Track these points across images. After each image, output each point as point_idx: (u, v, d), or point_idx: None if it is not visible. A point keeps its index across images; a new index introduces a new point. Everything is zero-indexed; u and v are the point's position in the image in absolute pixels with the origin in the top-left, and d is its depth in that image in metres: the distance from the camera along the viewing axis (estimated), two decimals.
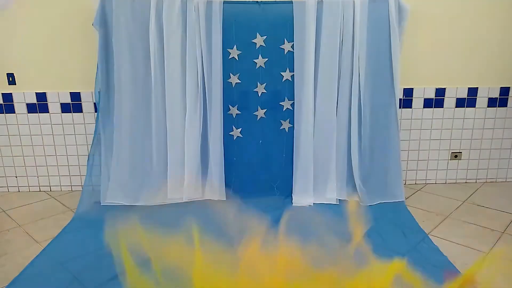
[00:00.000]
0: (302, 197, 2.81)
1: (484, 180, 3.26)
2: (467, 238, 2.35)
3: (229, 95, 2.77)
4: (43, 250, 2.23)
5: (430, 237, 2.35)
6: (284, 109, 2.82)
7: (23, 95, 2.93)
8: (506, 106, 3.10)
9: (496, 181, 3.26)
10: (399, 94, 2.90)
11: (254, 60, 2.72)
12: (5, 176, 3.10)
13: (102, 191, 2.75)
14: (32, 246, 2.30)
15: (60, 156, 3.07)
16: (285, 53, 2.72)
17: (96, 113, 2.81)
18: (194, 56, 2.65)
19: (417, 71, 2.98)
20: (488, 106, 3.09)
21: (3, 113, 2.96)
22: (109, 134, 2.73)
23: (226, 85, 2.74)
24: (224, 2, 2.62)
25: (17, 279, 1.96)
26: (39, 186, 3.13)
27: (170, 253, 1.51)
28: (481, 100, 3.08)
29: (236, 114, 2.81)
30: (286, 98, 2.80)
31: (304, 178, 2.82)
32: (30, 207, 2.86)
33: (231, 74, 2.73)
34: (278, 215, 2.59)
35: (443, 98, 3.06)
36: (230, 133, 2.84)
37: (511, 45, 2.99)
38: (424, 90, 3.03)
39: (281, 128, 2.85)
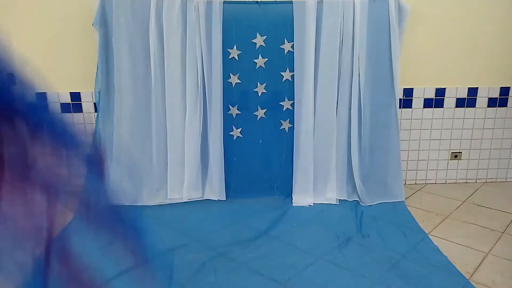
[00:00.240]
0: (302, 197, 2.81)
1: (484, 180, 3.26)
2: (467, 238, 2.35)
3: (229, 95, 2.77)
4: None
5: (430, 237, 2.35)
6: (284, 109, 2.82)
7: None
8: (506, 106, 3.10)
9: (496, 181, 3.26)
10: (399, 94, 2.90)
11: (254, 60, 2.72)
12: None
13: None
14: None
15: None
16: (285, 53, 2.72)
17: (96, 113, 2.81)
18: (194, 56, 2.65)
19: (417, 71, 2.98)
20: (488, 106, 3.09)
21: None
22: (109, 134, 2.73)
23: (226, 85, 2.74)
24: (224, 2, 2.62)
25: None
26: None
27: None
28: (481, 100, 3.08)
29: (236, 114, 2.81)
30: (286, 98, 2.80)
31: (304, 178, 2.82)
32: None
33: (231, 74, 2.73)
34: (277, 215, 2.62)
35: (443, 98, 3.06)
36: (230, 133, 2.84)
37: (511, 45, 2.99)
38: (424, 90, 3.03)
39: (281, 128, 2.85)
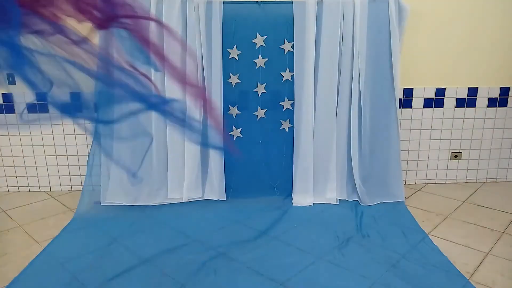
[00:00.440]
0: (302, 197, 2.81)
1: (484, 180, 3.26)
2: (467, 238, 2.35)
3: (229, 95, 2.77)
4: (43, 250, 2.23)
5: (430, 237, 2.35)
6: (284, 109, 2.82)
7: (23, 95, 2.93)
8: (506, 106, 3.10)
9: (496, 181, 3.26)
10: (399, 94, 2.91)
11: (254, 60, 2.72)
12: (5, 176, 3.10)
13: (102, 191, 2.75)
14: (32, 246, 2.30)
15: (60, 156, 3.07)
16: (285, 53, 2.72)
17: (96, 113, 2.80)
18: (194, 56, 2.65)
19: (417, 71, 2.98)
20: (488, 106, 3.09)
21: (3, 113, 2.96)
22: (109, 134, 2.72)
23: (226, 85, 2.74)
24: (224, 2, 2.62)
25: (17, 279, 1.96)
26: (39, 186, 3.14)
27: None
28: (481, 100, 3.08)
29: (236, 114, 2.81)
30: (286, 98, 2.80)
31: (304, 178, 2.82)
32: (30, 207, 2.86)
33: (231, 74, 2.73)
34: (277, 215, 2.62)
35: (443, 98, 3.06)
36: (230, 133, 2.83)
37: (511, 45, 2.99)
38: (424, 90, 3.03)
39: (281, 128, 2.85)
